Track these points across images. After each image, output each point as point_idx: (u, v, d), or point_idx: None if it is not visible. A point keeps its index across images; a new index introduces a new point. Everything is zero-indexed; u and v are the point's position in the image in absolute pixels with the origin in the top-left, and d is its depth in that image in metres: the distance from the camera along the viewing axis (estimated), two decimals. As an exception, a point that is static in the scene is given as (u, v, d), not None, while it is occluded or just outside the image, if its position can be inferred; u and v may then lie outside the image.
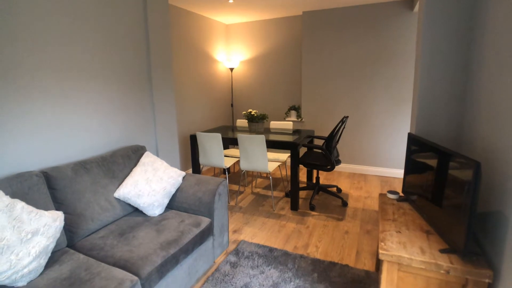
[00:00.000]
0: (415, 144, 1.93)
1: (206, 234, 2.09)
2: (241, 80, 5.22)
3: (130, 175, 2.23)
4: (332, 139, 3.12)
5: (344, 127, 3.19)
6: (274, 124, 4.15)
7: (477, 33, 1.78)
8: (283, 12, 4.44)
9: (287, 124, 4.10)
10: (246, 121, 3.93)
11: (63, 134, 2.07)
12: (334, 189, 3.77)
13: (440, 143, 2.05)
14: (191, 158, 3.68)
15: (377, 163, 4.36)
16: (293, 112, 4.71)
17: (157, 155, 2.94)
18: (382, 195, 2.12)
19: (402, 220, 1.71)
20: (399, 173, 4.24)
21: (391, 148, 4.22)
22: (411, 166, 1.99)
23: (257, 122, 3.55)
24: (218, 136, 3.24)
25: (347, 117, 3.20)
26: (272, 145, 3.21)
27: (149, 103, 2.79)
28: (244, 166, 3.26)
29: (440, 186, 1.56)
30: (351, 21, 4.12)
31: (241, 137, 3.15)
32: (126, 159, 2.33)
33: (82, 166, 2.01)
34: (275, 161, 3.57)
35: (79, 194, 1.91)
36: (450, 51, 1.94)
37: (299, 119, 4.61)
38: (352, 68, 4.23)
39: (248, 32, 5.01)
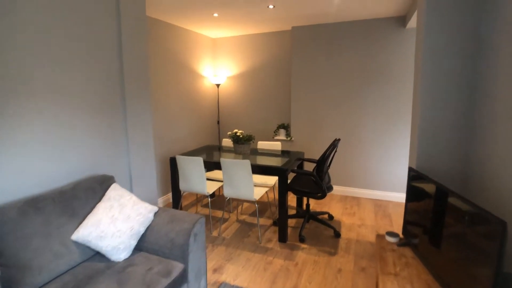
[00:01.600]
0: (418, 182, 1.70)
1: (178, 283, 1.80)
2: (228, 97, 4.99)
3: (92, 212, 1.93)
4: (323, 164, 2.89)
5: (336, 151, 2.97)
6: (261, 145, 3.91)
7: (487, 53, 1.59)
8: (271, 26, 4.27)
9: (276, 145, 3.87)
10: (232, 141, 3.69)
11: (13, 165, 1.77)
12: (326, 216, 3.52)
13: (445, 182, 1.83)
14: (171, 182, 3.38)
15: (370, 186, 4.14)
16: (282, 131, 4.48)
17: (131, 183, 2.64)
18: (380, 238, 1.88)
19: (405, 274, 1.47)
20: (393, 196, 4.03)
21: (385, 169, 4.02)
22: (412, 206, 1.76)
23: (243, 144, 3.30)
24: (200, 160, 2.97)
25: (339, 140, 2.99)
26: (259, 171, 2.96)
27: (121, 125, 2.51)
28: (228, 193, 2.99)
29: (450, 237, 1.32)
30: (342, 37, 3.97)
31: (224, 161, 2.89)
32: (90, 193, 2.03)
33: (32, 205, 1.71)
34: (262, 186, 3.31)
35: (25, 240, 1.60)
36: (454, 74, 1.74)
37: (288, 138, 4.38)
38: (343, 85, 4.06)
39: (235, 47, 4.82)
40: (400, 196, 3.99)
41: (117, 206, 1.98)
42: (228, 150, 3.80)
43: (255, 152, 3.68)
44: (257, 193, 3.01)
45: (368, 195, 4.17)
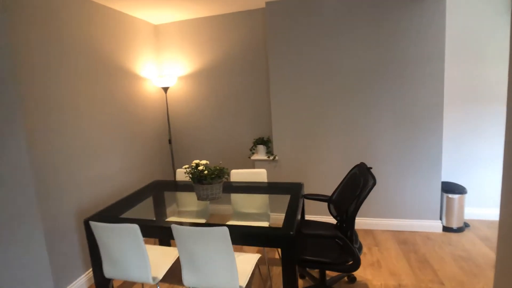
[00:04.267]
0: None
1: None
2: (181, 104, 3.63)
3: None
4: (343, 208, 1.70)
5: (369, 190, 1.77)
6: (237, 175, 2.63)
7: None
8: (237, 3, 3.01)
9: (258, 174, 2.61)
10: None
11: None
12: (345, 280, 2.35)
13: None
14: (91, 263, 1.97)
15: (385, 214, 3.07)
16: (261, 148, 3.25)
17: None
18: None
19: None
20: (419, 225, 3.00)
21: (405, 191, 2.98)
22: None
23: (210, 184, 2.00)
24: (133, 229, 1.62)
25: (368, 168, 1.82)
26: (243, 239, 1.68)
27: None
28: (191, 280, 1.67)
29: None
30: (339, 13, 2.84)
31: (178, 230, 1.57)
32: None
33: None
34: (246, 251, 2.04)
35: None
36: None
37: (271, 157, 3.16)
38: (344, 81, 2.94)
39: (187, 35, 3.47)
40: (429, 225, 2.98)
41: None
42: (188, 189, 2.47)
43: (229, 189, 2.41)
44: (243, 274, 1.74)
45: (383, 226, 3.10)
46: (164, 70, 3.60)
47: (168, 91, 3.62)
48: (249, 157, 3.30)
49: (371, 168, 1.81)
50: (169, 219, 2.44)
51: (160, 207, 2.43)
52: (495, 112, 2.99)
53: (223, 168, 2.04)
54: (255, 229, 1.66)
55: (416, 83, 2.78)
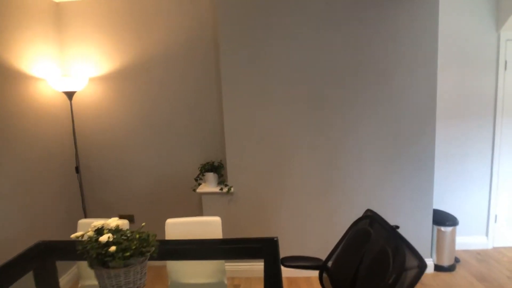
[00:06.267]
0: None
1: None
2: (94, 116, 2.59)
3: None
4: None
5: (415, 280, 1.05)
6: (174, 227, 1.72)
7: None
8: (173, -23, 2.15)
9: (208, 225, 1.73)
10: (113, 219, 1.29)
11: None
12: None
13: None
14: None
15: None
16: (210, 176, 2.40)
17: None
18: None
19: None
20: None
21: (395, 223, 2.40)
22: None
23: (125, 267, 1.09)
24: None
25: (395, 227, 1.13)
26: None
27: None
28: None
29: None
30: (316, 7, 2.18)
31: None
32: None
33: None
34: None
35: None
36: None
37: (224, 189, 2.33)
38: (319, 89, 2.27)
39: (105, 20, 2.48)
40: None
41: None
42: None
43: (164, 253, 1.51)
44: None
45: (367, 270, 2.48)
46: (68, 67, 2.53)
47: (75, 97, 2.55)
48: (194, 190, 2.42)
49: (397, 227, 1.12)
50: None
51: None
52: (482, 126, 2.63)
53: (149, 234, 1.15)
54: None
55: (406, 91, 2.24)
